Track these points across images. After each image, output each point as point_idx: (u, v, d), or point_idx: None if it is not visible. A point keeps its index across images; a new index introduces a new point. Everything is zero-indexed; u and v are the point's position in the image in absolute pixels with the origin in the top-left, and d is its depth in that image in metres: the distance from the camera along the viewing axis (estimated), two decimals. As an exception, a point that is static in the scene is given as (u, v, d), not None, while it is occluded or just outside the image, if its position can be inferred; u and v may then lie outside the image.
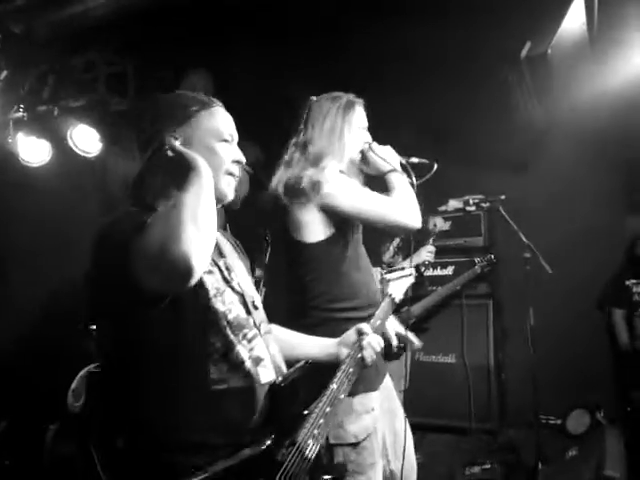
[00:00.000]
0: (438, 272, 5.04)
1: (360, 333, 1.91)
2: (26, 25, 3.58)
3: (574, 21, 3.83)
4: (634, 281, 4.39)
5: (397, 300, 2.09)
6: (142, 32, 4.02)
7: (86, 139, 4.47)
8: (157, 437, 1.48)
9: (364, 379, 2.07)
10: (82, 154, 4.50)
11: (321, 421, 1.66)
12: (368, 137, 2.36)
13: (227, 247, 1.76)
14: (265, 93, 4.17)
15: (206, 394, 1.50)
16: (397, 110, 4.09)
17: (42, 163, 4.61)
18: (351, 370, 1.84)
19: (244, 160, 1.70)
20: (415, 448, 4.29)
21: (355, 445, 2.10)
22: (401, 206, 2.20)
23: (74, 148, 4.45)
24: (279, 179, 2.25)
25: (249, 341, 1.60)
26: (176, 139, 1.58)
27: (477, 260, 4.51)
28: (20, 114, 4.28)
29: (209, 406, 1.49)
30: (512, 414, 4.87)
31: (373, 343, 1.90)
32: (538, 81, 3.94)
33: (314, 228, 2.19)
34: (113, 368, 1.61)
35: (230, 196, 1.68)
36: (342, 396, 1.76)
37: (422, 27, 3.98)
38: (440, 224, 4.71)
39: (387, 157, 2.31)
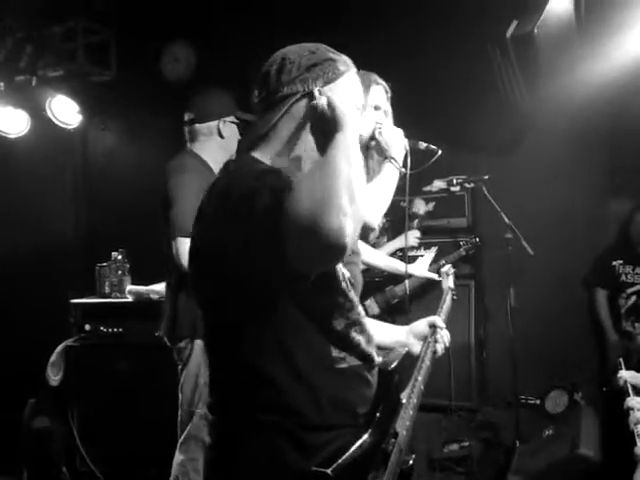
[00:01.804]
0: (422, 253, 5.03)
1: (434, 326, 1.94)
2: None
3: (561, 0, 3.80)
4: (621, 262, 4.40)
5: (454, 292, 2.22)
6: (123, 0, 3.93)
7: (65, 110, 4.37)
8: (281, 413, 1.36)
9: None
10: (61, 126, 4.41)
11: (411, 412, 1.61)
12: (382, 118, 2.34)
13: None
14: (249, 64, 4.11)
15: (330, 372, 1.40)
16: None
17: (20, 134, 4.52)
18: (428, 363, 1.85)
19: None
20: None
21: None
22: (366, 199, 2.13)
23: (53, 119, 4.36)
24: None
25: (361, 320, 1.50)
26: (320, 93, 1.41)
27: (462, 242, 4.50)
28: (-3, 84, 4.18)
29: (332, 384, 1.40)
30: (492, 393, 4.91)
31: (445, 338, 1.95)
32: (524, 61, 3.91)
33: None
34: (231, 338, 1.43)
35: None
36: (422, 388, 1.76)
37: (406, 5, 3.94)
38: (423, 208, 4.71)
39: (392, 142, 2.28)
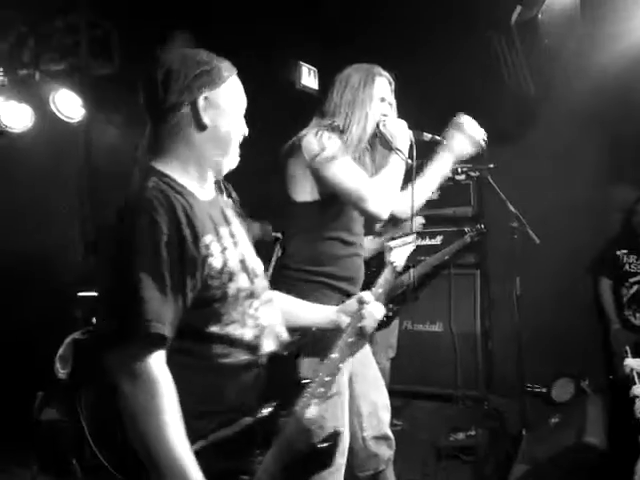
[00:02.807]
0: (427, 242, 5.04)
1: (361, 302, 1.86)
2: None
3: (566, -15, 3.77)
4: (625, 251, 4.40)
5: (399, 268, 2.03)
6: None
7: (69, 104, 4.37)
8: None
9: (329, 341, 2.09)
10: (65, 120, 4.41)
11: (320, 390, 1.64)
12: (387, 110, 2.34)
13: (230, 213, 1.72)
14: (253, 56, 4.10)
15: (210, 367, 1.50)
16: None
17: (25, 129, 4.52)
18: (351, 339, 1.80)
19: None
20: (401, 414, 4.31)
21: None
22: (375, 191, 2.17)
23: (57, 113, 4.36)
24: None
25: (255, 310, 1.60)
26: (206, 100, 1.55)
27: (467, 230, 4.49)
28: (0, 78, 4.17)
29: (213, 378, 1.50)
30: (498, 382, 4.92)
31: (374, 312, 1.86)
32: (528, 47, 3.88)
33: (302, 187, 2.21)
34: None
35: (234, 165, 1.67)
36: (342, 365, 1.74)
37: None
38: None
39: (397, 133, 2.27)
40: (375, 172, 2.31)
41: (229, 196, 3.15)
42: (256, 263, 1.69)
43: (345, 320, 1.88)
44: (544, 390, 4.55)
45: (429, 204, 4.73)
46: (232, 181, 3.01)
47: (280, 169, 2.28)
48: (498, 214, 4.20)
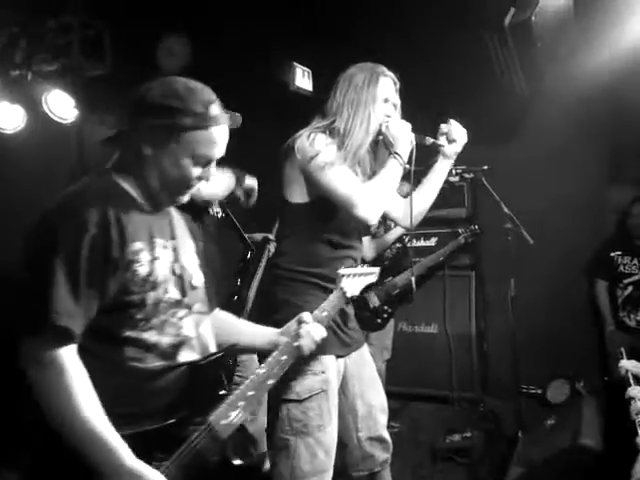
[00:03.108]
0: (421, 243, 5.03)
1: (300, 322, 1.88)
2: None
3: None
4: (619, 253, 4.40)
5: (349, 295, 2.01)
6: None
7: (62, 105, 4.34)
8: None
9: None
10: (58, 120, 4.39)
11: (240, 403, 1.64)
12: (390, 111, 2.31)
13: (180, 228, 1.76)
14: (247, 59, 4.08)
15: (122, 369, 1.54)
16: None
17: (17, 130, 4.49)
18: (284, 357, 1.79)
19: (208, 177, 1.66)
20: (397, 416, 4.31)
21: (298, 402, 2.13)
22: (365, 197, 2.15)
23: (49, 114, 4.33)
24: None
25: (178, 320, 1.63)
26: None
27: (461, 231, 4.50)
28: (-8, 78, 4.15)
29: (124, 381, 1.54)
30: (493, 383, 4.92)
31: (312, 332, 1.86)
32: (522, 49, 3.89)
33: (295, 189, 2.21)
34: None
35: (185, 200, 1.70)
36: (270, 382, 1.74)
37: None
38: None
39: (399, 136, 2.24)
40: (376, 170, 2.30)
41: (225, 214, 3.13)
42: (197, 277, 1.73)
43: (284, 341, 1.88)
44: (539, 391, 4.55)
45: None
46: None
47: (277, 170, 2.27)
48: (492, 215, 4.20)
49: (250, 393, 1.67)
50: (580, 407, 3.45)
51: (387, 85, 2.30)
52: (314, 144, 2.14)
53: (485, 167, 4.17)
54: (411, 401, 4.83)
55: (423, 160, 2.44)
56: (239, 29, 4.10)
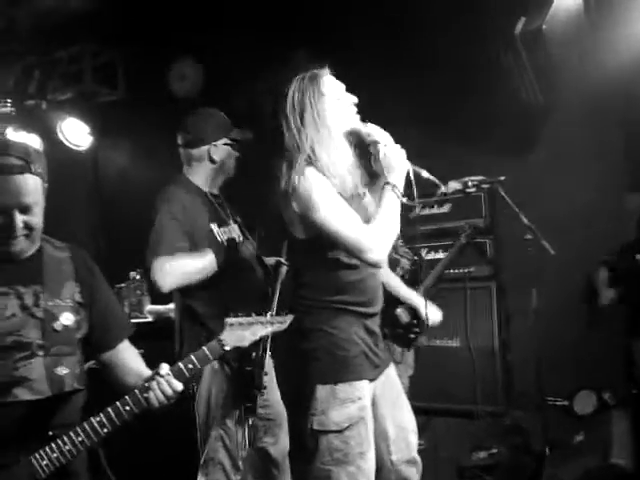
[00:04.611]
0: (440, 255, 4.97)
1: (156, 373, 1.80)
2: (8, 17, 3.50)
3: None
4: None
5: (227, 348, 1.85)
6: (129, 21, 3.94)
7: (76, 132, 4.40)
8: None
9: (349, 366, 2.07)
10: (73, 148, 4.44)
11: (68, 448, 1.66)
12: (347, 104, 2.23)
13: (50, 271, 1.82)
14: (256, 80, 4.10)
15: None
16: (392, 93, 4.02)
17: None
18: (127, 408, 1.74)
19: None
20: (420, 433, 4.27)
21: (338, 433, 2.07)
22: (374, 240, 2.09)
23: (65, 142, 4.38)
24: None
25: (15, 362, 1.68)
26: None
27: (460, 231, 4.42)
28: (8, 109, 4.21)
29: None
30: (518, 396, 4.83)
31: (163, 386, 1.76)
32: (534, 57, 3.86)
33: (300, 228, 2.16)
34: None
35: None
36: (106, 430, 1.71)
37: (413, 6, 3.90)
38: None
39: (394, 165, 2.16)
40: (369, 182, 2.24)
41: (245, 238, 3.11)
42: (61, 320, 1.78)
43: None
44: (566, 403, 4.46)
45: (440, 217, 4.76)
46: (233, 187, 3.01)
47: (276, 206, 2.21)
48: (512, 226, 4.15)
49: (80, 439, 1.68)
50: (609, 422, 3.37)
51: (330, 85, 2.21)
52: (306, 187, 2.07)
53: (502, 178, 4.12)
54: (434, 416, 4.76)
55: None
56: (249, 51, 4.12)
